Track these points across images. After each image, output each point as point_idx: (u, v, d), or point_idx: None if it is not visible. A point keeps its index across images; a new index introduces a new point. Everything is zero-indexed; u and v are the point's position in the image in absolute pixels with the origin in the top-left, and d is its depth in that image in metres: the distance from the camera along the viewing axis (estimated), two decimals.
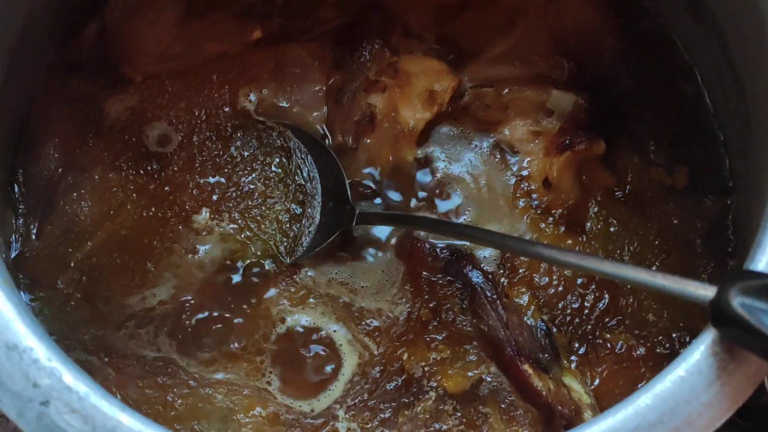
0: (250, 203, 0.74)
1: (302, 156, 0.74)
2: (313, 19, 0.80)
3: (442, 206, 0.76)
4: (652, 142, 0.76)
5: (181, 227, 0.73)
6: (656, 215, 0.74)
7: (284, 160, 0.76)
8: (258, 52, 0.79)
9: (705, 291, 0.48)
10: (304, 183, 0.75)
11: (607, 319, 0.71)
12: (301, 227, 0.73)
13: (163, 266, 0.72)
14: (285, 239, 0.73)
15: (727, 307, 0.45)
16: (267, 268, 0.71)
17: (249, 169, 0.75)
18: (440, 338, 0.70)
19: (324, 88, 0.78)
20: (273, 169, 0.75)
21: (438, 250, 0.73)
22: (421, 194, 0.76)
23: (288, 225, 0.74)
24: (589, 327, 0.71)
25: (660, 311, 0.71)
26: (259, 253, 0.72)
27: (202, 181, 0.75)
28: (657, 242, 0.73)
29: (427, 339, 0.70)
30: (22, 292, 0.69)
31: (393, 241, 0.74)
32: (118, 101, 0.77)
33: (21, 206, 0.72)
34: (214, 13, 0.79)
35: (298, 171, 0.75)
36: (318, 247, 0.72)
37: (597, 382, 0.69)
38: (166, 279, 0.71)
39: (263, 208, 0.74)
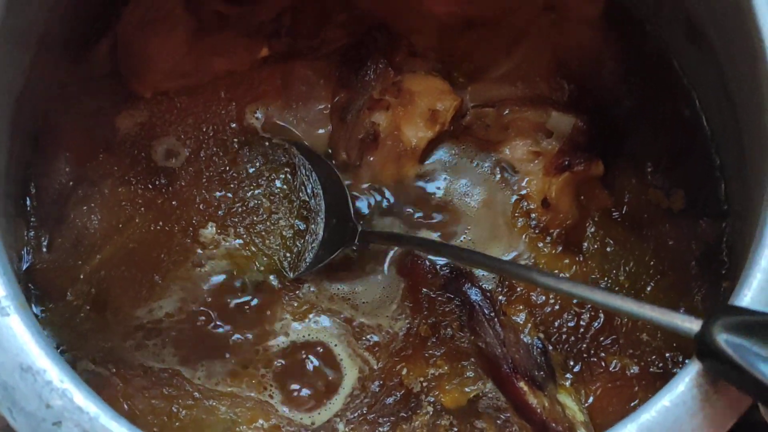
0: (255, 219, 0.76)
1: (306, 173, 0.76)
2: (320, 38, 0.81)
3: (443, 223, 0.77)
4: (650, 163, 0.77)
5: (188, 241, 0.75)
6: (652, 236, 0.75)
7: (289, 177, 0.77)
8: (265, 70, 0.80)
9: (691, 324, 0.49)
10: (308, 199, 0.76)
11: (601, 338, 0.72)
12: (305, 243, 0.75)
13: (170, 279, 0.74)
14: (289, 254, 0.75)
15: (711, 342, 0.46)
16: (271, 283, 0.73)
17: (254, 184, 0.77)
18: (438, 354, 0.72)
19: (329, 106, 0.80)
20: (278, 185, 0.77)
21: (438, 267, 0.74)
22: (422, 212, 0.77)
23: (292, 241, 0.75)
24: (584, 345, 0.72)
25: (654, 331, 0.72)
26: (263, 268, 0.74)
27: (208, 196, 0.77)
28: (653, 263, 0.74)
29: (426, 355, 0.72)
30: (32, 304, 0.71)
31: (393, 257, 0.75)
32: (128, 116, 0.79)
33: (32, 219, 0.74)
34: (224, 31, 0.80)
35: (303, 187, 0.76)
36: (321, 263, 0.74)
37: (591, 399, 0.71)
38: (172, 291, 0.73)
39: (268, 223, 0.76)
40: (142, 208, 0.76)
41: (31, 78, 0.69)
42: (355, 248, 0.75)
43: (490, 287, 0.74)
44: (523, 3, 0.81)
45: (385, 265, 0.75)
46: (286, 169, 0.78)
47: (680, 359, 0.71)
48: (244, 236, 0.75)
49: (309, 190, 0.76)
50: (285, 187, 0.77)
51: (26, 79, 0.69)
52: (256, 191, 0.77)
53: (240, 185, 0.77)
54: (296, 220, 0.76)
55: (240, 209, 0.76)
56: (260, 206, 0.76)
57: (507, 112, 0.78)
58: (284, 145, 0.78)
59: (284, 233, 0.76)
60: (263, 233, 0.76)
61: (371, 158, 0.77)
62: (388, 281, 0.74)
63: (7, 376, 0.46)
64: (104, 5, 0.78)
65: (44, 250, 0.73)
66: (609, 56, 0.80)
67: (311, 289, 0.74)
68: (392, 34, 0.80)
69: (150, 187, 0.76)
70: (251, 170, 0.78)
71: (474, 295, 0.73)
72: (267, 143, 0.78)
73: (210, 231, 0.75)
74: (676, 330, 0.50)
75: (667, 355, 0.72)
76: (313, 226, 0.76)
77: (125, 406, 0.68)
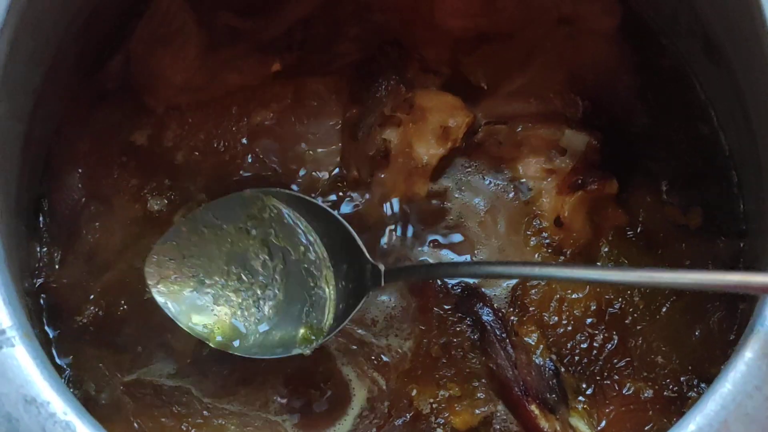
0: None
1: (290, 224, 0.69)
2: (331, 53, 0.81)
3: (455, 242, 0.76)
4: (665, 181, 0.76)
5: None
6: (668, 255, 0.74)
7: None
8: (277, 85, 0.80)
9: None
10: (298, 258, 0.70)
11: (615, 360, 0.71)
12: (314, 301, 0.69)
13: None
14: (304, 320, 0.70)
15: None
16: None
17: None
18: (449, 375, 0.71)
19: (340, 122, 0.80)
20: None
21: (449, 287, 0.74)
22: (433, 229, 0.77)
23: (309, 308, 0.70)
24: (598, 368, 0.71)
25: (669, 354, 0.71)
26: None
27: None
28: None
29: (436, 375, 0.71)
30: (44, 321, 0.71)
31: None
32: (140, 131, 0.79)
33: (45, 236, 0.74)
34: (236, 46, 0.80)
35: (288, 247, 0.69)
36: (347, 317, 0.68)
37: (604, 423, 0.70)
38: None
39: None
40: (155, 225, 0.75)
41: (43, 95, 0.70)
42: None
43: (501, 307, 0.73)
44: (537, 16, 0.80)
45: (396, 285, 0.74)
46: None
47: (695, 383, 0.70)
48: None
49: (299, 244, 0.69)
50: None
51: (38, 97, 0.69)
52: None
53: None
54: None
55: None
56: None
57: (520, 129, 0.77)
58: (259, 196, 0.70)
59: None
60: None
61: (382, 175, 0.77)
62: (398, 301, 0.74)
63: (11, 407, 0.46)
64: (117, 22, 0.78)
65: (56, 266, 0.74)
66: (624, 71, 0.79)
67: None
68: (404, 49, 0.79)
69: (166, 202, 0.76)
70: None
71: (486, 315, 0.72)
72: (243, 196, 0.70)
73: None
74: None
75: (682, 378, 0.71)
76: (319, 281, 0.69)
77: (135, 425, 0.68)
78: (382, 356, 0.72)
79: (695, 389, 0.70)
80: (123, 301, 0.73)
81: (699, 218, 0.75)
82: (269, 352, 0.67)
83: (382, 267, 0.68)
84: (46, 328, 0.71)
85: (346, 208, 0.76)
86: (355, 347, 0.72)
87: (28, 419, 0.45)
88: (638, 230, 0.75)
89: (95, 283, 0.73)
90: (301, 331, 0.69)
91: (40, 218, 0.75)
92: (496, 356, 0.71)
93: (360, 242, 0.69)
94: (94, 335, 0.72)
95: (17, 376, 0.47)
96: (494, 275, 0.71)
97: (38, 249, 0.74)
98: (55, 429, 0.45)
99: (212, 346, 0.67)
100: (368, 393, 0.71)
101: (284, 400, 0.70)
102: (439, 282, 0.73)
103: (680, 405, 0.70)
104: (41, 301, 0.72)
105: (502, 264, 0.72)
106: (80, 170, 0.77)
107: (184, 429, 0.69)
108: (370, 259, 0.69)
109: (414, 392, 0.70)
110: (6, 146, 0.63)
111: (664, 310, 0.73)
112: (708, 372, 0.70)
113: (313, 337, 0.68)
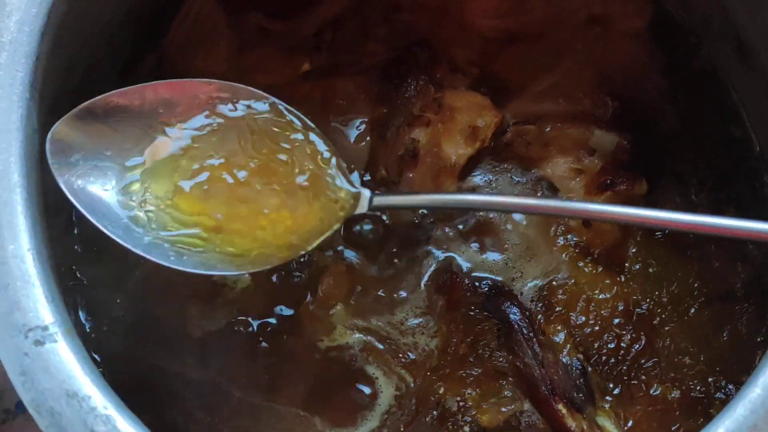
0: None
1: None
2: (360, 53, 0.81)
3: (482, 240, 0.77)
4: (695, 182, 0.76)
5: None
6: (697, 257, 0.74)
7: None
8: (306, 85, 0.81)
9: None
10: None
11: (642, 361, 0.72)
12: None
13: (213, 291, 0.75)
14: None
15: None
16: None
17: None
18: (476, 373, 0.72)
19: (368, 121, 0.80)
20: None
21: (476, 285, 0.74)
22: (461, 229, 0.77)
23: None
24: (625, 368, 0.71)
25: (696, 354, 0.71)
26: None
27: None
28: (696, 284, 0.73)
29: (463, 374, 0.72)
30: (80, 315, 0.73)
31: (431, 274, 0.75)
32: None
33: (82, 231, 0.76)
34: (266, 46, 0.81)
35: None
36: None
37: (630, 423, 0.70)
38: (216, 304, 0.74)
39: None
40: None
41: (81, 95, 0.71)
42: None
43: (528, 306, 0.74)
44: (566, 16, 0.80)
45: (422, 282, 0.75)
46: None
47: (723, 384, 0.70)
48: None
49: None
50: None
51: (76, 97, 0.70)
52: None
53: None
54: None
55: None
56: None
57: (549, 129, 0.77)
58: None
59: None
60: None
61: (410, 175, 0.77)
62: (425, 299, 0.74)
63: (54, 401, 0.47)
64: (150, 24, 0.79)
65: (92, 262, 0.75)
66: (654, 71, 0.79)
67: (345, 307, 0.74)
68: (433, 49, 0.80)
69: None
70: None
71: (513, 314, 0.72)
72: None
73: None
74: None
75: (710, 379, 0.70)
76: None
77: (168, 418, 0.70)
78: (409, 354, 0.73)
79: (722, 390, 0.70)
80: (156, 296, 0.75)
81: None
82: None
83: (368, 193, 0.67)
84: (83, 321, 0.72)
85: None
86: (381, 345, 0.73)
87: (70, 413, 0.47)
88: (666, 231, 0.75)
89: (130, 277, 0.75)
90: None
91: (77, 214, 0.76)
92: (523, 355, 0.71)
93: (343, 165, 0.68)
94: (129, 329, 0.73)
95: (60, 372, 0.48)
96: (478, 206, 0.69)
97: (75, 246, 0.75)
98: (96, 422, 0.47)
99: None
100: (396, 390, 0.71)
101: (312, 397, 0.71)
102: (466, 281, 0.74)
103: (707, 406, 0.69)
104: (77, 296, 0.73)
105: (489, 195, 0.72)
106: None
107: (215, 422, 0.70)
108: (355, 184, 0.67)
109: (441, 390, 0.71)
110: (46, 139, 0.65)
111: (692, 311, 0.72)
112: (736, 374, 0.70)
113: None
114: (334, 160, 0.67)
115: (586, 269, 0.75)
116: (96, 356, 0.71)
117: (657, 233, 0.75)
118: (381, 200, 0.68)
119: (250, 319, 0.74)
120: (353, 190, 0.67)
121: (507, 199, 0.68)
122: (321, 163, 0.67)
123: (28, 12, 0.59)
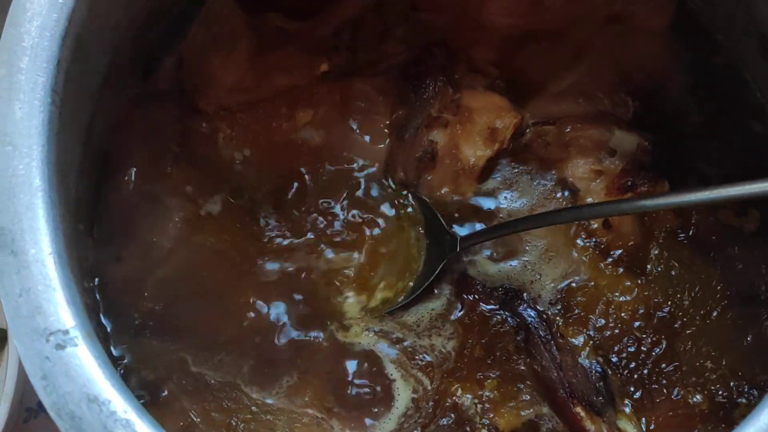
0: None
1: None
2: (379, 53, 0.81)
3: (502, 242, 0.76)
4: (718, 182, 0.74)
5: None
6: (720, 259, 0.73)
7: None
8: (325, 86, 0.81)
9: None
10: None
11: (663, 365, 0.71)
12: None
13: (234, 293, 0.75)
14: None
15: None
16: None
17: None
18: (493, 376, 0.71)
19: (387, 122, 0.80)
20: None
21: (492, 288, 0.74)
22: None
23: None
24: (646, 371, 0.71)
25: (718, 359, 0.70)
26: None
27: None
28: (720, 287, 0.72)
29: (480, 376, 0.71)
30: (102, 316, 0.74)
31: (447, 277, 0.75)
32: (193, 131, 0.81)
33: (102, 234, 0.77)
34: (285, 47, 0.81)
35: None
36: (426, 281, 0.74)
37: (653, 426, 0.69)
38: (237, 306, 0.75)
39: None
40: (209, 221, 0.77)
41: (102, 95, 0.72)
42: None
43: (546, 309, 0.73)
44: (586, 14, 0.79)
45: (439, 286, 0.74)
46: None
47: (745, 389, 0.69)
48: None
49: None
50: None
51: (96, 102, 0.71)
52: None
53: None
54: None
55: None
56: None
57: (568, 129, 0.76)
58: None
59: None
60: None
61: (429, 177, 0.77)
62: (441, 301, 0.74)
63: (74, 406, 0.48)
64: (170, 25, 0.80)
65: (112, 264, 0.76)
66: (676, 69, 0.78)
67: (363, 309, 0.74)
68: (451, 49, 0.79)
69: (218, 200, 0.78)
70: None
71: (529, 316, 0.72)
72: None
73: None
74: None
75: (732, 384, 0.69)
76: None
77: (183, 421, 0.70)
78: (426, 356, 0.72)
79: (745, 395, 0.69)
80: (176, 297, 0.75)
81: (755, 223, 0.73)
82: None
83: (458, 235, 0.73)
84: (103, 321, 0.73)
85: (391, 210, 0.77)
86: (398, 347, 0.73)
87: (90, 417, 0.47)
88: (690, 233, 0.74)
89: (150, 279, 0.75)
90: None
91: (97, 217, 0.77)
92: (541, 358, 0.70)
93: (439, 215, 0.75)
94: (149, 330, 0.74)
95: (80, 376, 0.49)
96: (562, 221, 0.72)
97: (95, 247, 0.76)
98: (116, 427, 0.47)
99: None
100: (413, 392, 0.71)
101: (329, 399, 0.71)
102: (480, 286, 0.73)
103: (729, 410, 0.69)
104: (97, 297, 0.74)
105: (567, 210, 0.73)
106: (135, 169, 0.79)
107: (233, 424, 0.71)
108: (448, 229, 0.74)
109: (458, 392, 0.71)
110: (67, 143, 0.65)
111: (714, 314, 0.71)
112: (759, 378, 0.69)
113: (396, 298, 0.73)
114: None
115: (606, 270, 0.74)
116: (116, 355, 0.72)
117: (680, 235, 0.74)
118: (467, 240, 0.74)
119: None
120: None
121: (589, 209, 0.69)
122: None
123: (49, 17, 0.59)
